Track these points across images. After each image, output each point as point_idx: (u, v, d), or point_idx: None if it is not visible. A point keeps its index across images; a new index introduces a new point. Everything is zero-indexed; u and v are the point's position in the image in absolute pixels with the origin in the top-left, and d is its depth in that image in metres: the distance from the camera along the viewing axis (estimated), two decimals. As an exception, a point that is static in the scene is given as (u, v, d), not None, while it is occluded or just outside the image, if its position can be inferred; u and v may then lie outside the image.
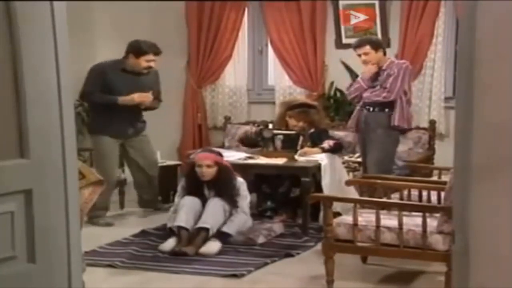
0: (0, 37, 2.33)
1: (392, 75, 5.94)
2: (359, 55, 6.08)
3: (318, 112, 6.77)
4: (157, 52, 6.37)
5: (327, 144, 6.43)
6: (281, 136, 6.60)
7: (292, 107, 6.74)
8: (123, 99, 6.27)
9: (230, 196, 5.68)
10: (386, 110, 5.98)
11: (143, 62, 6.32)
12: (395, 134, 6.05)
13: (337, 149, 6.50)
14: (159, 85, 6.64)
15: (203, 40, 8.11)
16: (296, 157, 6.32)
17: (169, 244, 5.43)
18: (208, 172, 5.67)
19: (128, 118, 6.42)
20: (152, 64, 6.37)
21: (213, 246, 5.40)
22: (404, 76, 5.96)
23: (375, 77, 6.05)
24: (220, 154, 5.88)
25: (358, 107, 6.21)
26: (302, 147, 6.52)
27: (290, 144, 6.55)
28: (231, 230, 5.57)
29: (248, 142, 6.83)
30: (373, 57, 6.02)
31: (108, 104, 6.28)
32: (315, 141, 6.55)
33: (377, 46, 6.08)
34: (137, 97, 6.32)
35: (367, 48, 6.03)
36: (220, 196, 5.65)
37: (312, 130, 6.63)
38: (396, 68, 5.98)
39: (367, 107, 6.08)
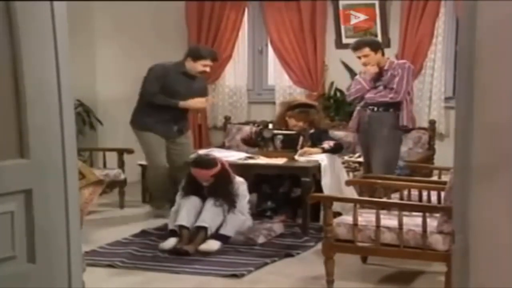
0: (0, 37, 2.33)
1: (397, 76, 5.92)
2: (359, 57, 6.07)
3: (317, 112, 6.77)
4: (214, 58, 6.66)
5: (327, 144, 6.43)
6: (281, 136, 6.60)
7: (292, 107, 6.75)
8: (183, 104, 6.54)
9: (227, 197, 5.67)
10: (391, 110, 5.97)
11: (200, 66, 6.53)
12: (400, 133, 6.07)
13: (337, 149, 6.50)
14: (207, 90, 6.92)
15: (203, 40, 8.11)
16: (296, 157, 6.32)
17: (170, 242, 5.44)
18: (206, 182, 5.68)
19: (173, 118, 6.62)
20: (207, 69, 6.62)
21: (213, 243, 5.41)
22: (409, 76, 5.97)
23: (376, 77, 6.04)
24: (214, 161, 5.74)
25: (358, 108, 6.19)
26: (302, 147, 6.52)
27: (290, 144, 6.54)
28: (227, 232, 5.57)
29: (252, 142, 6.83)
30: (373, 58, 6.00)
31: (168, 104, 6.51)
32: (315, 141, 6.54)
33: (376, 47, 6.05)
34: (198, 102, 6.64)
35: (367, 50, 6.00)
36: (218, 197, 5.65)
37: (312, 130, 6.63)
38: (400, 68, 5.97)
39: (371, 107, 6.05)
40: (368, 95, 6.04)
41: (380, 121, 5.99)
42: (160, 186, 6.73)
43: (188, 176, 5.83)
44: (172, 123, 6.63)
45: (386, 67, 6.00)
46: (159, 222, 6.29)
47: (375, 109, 6.02)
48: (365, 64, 6.04)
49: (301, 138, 6.56)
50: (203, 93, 6.75)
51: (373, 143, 6.06)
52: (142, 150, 6.79)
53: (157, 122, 6.52)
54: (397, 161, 6.12)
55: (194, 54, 6.54)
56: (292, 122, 6.66)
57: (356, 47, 6.08)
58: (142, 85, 6.60)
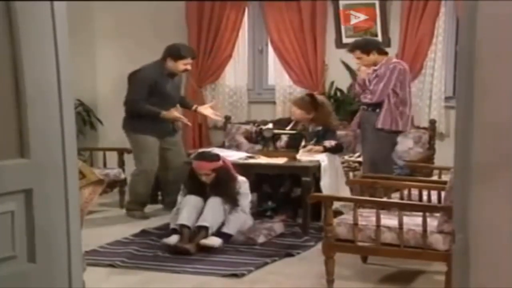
0: (0, 37, 2.33)
1: (378, 76, 5.93)
2: (356, 59, 6.12)
3: (315, 108, 6.72)
4: (193, 56, 6.80)
5: (328, 143, 6.45)
6: (285, 136, 6.65)
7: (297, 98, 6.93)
8: (164, 115, 6.60)
9: (230, 196, 5.68)
10: (377, 110, 5.97)
11: (181, 65, 6.61)
12: (383, 135, 5.97)
13: (338, 149, 6.52)
14: (180, 88, 7.06)
15: (203, 40, 8.10)
16: (298, 156, 6.33)
17: (173, 238, 5.45)
18: (208, 178, 5.70)
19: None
20: (188, 67, 6.72)
21: (214, 239, 5.43)
22: (391, 76, 5.89)
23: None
24: (216, 156, 5.82)
25: (361, 107, 6.25)
26: (304, 146, 6.54)
27: (294, 144, 6.58)
28: (230, 230, 5.59)
29: (253, 140, 6.86)
30: (366, 60, 6.01)
31: (151, 113, 6.57)
32: (320, 139, 6.58)
33: (368, 49, 6.01)
34: (177, 114, 6.74)
35: (358, 53, 6.04)
36: (221, 196, 5.66)
37: (319, 128, 6.65)
38: (384, 69, 5.94)
39: (363, 107, 6.13)
40: (361, 96, 6.11)
41: (368, 121, 6.05)
42: (145, 190, 6.77)
43: (190, 174, 5.84)
44: (167, 123, 6.70)
45: (377, 67, 6.01)
46: (159, 222, 6.30)
47: (366, 108, 6.09)
48: (362, 65, 6.07)
49: (303, 140, 6.61)
50: (180, 89, 6.94)
51: (363, 143, 6.15)
52: (135, 153, 6.79)
53: (152, 124, 6.57)
54: (385, 162, 5.97)
55: (175, 54, 6.56)
56: (295, 111, 6.70)
57: (349, 50, 6.16)
58: (127, 93, 6.67)
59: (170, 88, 6.67)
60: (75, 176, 2.62)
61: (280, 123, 6.92)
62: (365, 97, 6.03)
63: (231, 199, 5.69)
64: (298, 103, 6.73)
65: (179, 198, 5.84)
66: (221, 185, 5.69)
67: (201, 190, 5.73)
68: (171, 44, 6.66)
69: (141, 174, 6.69)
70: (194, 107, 7.03)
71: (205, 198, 5.69)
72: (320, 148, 6.44)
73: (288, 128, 6.77)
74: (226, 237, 5.54)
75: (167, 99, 6.64)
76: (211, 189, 5.71)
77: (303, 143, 6.59)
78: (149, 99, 6.53)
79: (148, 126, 6.56)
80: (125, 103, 6.67)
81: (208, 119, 8.26)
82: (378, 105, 5.95)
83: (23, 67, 2.37)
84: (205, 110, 7.07)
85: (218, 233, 5.52)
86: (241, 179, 5.85)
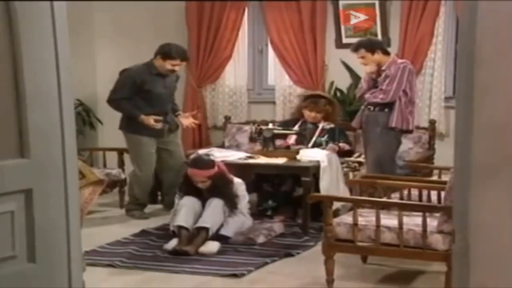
0: (0, 37, 2.33)
1: (389, 76, 5.93)
2: (359, 58, 6.11)
3: (329, 103, 6.91)
4: (184, 58, 6.77)
5: (343, 145, 6.67)
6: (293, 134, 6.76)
7: (305, 98, 6.99)
8: (142, 119, 6.54)
9: (229, 199, 5.68)
10: (386, 110, 5.97)
11: (168, 65, 6.60)
12: (393, 134, 6.02)
13: (346, 153, 6.59)
14: (175, 88, 6.98)
15: (203, 40, 8.10)
16: (298, 157, 6.33)
17: (172, 243, 5.44)
18: (203, 185, 5.69)
19: (162, 117, 6.69)
20: (176, 68, 6.70)
21: (212, 245, 5.41)
22: (402, 77, 5.92)
23: (377, 77, 6.06)
24: (211, 162, 5.76)
25: (362, 107, 6.25)
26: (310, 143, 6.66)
27: (302, 141, 6.67)
28: (228, 233, 5.58)
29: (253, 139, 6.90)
30: (370, 59, 6.01)
31: (130, 114, 6.60)
32: (331, 137, 6.73)
33: (372, 48, 6.02)
34: (152, 123, 6.56)
35: (362, 51, 6.03)
36: (220, 198, 5.65)
37: (331, 126, 6.79)
38: (393, 69, 5.94)
39: (368, 106, 6.10)
40: (366, 95, 6.10)
41: (375, 121, 6.03)
42: (142, 192, 6.76)
43: (185, 179, 5.82)
44: (162, 122, 6.66)
45: (384, 67, 6.01)
46: (159, 222, 6.30)
47: (371, 108, 6.07)
48: (364, 65, 6.08)
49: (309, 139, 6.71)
50: (172, 90, 6.89)
51: (368, 143, 6.13)
52: (130, 154, 6.80)
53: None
54: (391, 162, 6.03)
55: (165, 53, 6.57)
56: (306, 113, 6.87)
57: (353, 49, 6.13)
58: (111, 91, 6.68)
59: (160, 88, 6.63)
60: (75, 176, 2.62)
61: (287, 124, 6.94)
62: (375, 97, 6.00)
63: (230, 202, 5.68)
64: (307, 107, 6.87)
65: (176, 200, 5.84)
66: (218, 190, 5.68)
67: (197, 193, 5.72)
68: (165, 43, 6.66)
69: (137, 175, 6.68)
70: (177, 113, 6.97)
71: (202, 200, 5.68)
72: (334, 147, 6.59)
73: (295, 127, 6.82)
74: (224, 239, 5.54)
75: (156, 99, 6.60)
76: (208, 194, 5.70)
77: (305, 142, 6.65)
78: (136, 98, 6.54)
79: (142, 126, 6.54)
80: (107, 101, 6.69)
81: (208, 119, 8.26)
82: (386, 105, 5.94)
83: (23, 67, 2.37)
84: (185, 119, 6.97)
85: (216, 235, 5.52)
86: (237, 181, 5.84)
